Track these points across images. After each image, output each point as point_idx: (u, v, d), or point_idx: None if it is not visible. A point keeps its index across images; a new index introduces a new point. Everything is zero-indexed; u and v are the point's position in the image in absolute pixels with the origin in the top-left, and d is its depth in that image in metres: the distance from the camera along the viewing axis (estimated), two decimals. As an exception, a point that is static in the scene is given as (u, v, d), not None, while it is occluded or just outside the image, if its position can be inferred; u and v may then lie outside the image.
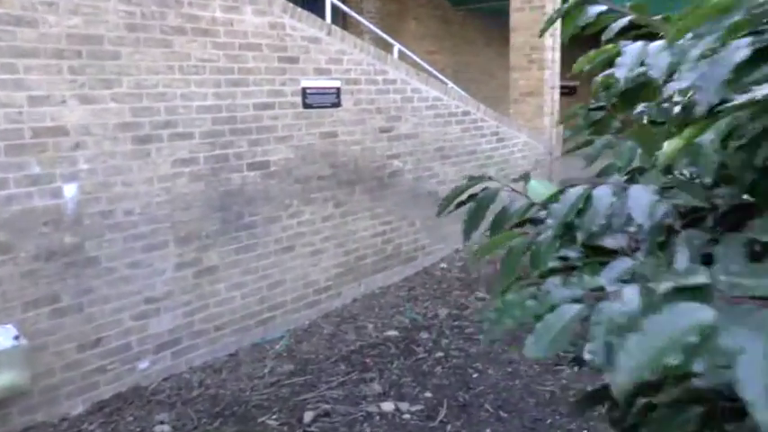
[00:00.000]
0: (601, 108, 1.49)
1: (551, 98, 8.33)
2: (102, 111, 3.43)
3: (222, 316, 4.17)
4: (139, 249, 3.66)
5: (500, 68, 12.51)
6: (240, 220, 4.16)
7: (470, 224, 1.40)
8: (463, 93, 6.85)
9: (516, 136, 7.46)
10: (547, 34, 7.98)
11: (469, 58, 12.03)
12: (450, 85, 6.97)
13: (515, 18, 8.10)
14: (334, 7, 5.44)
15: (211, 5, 3.92)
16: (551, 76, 8.26)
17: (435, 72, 7.23)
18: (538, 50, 8.03)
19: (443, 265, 6.13)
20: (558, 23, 1.43)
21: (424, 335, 4.60)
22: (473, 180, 1.43)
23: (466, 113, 6.42)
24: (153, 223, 3.70)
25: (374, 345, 4.46)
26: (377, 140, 5.25)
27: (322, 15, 4.99)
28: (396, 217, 5.56)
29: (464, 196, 1.43)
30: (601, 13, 1.35)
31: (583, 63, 1.43)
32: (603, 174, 1.36)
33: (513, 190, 1.37)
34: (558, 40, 8.27)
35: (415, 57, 7.19)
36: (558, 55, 8.33)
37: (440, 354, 4.30)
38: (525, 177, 1.44)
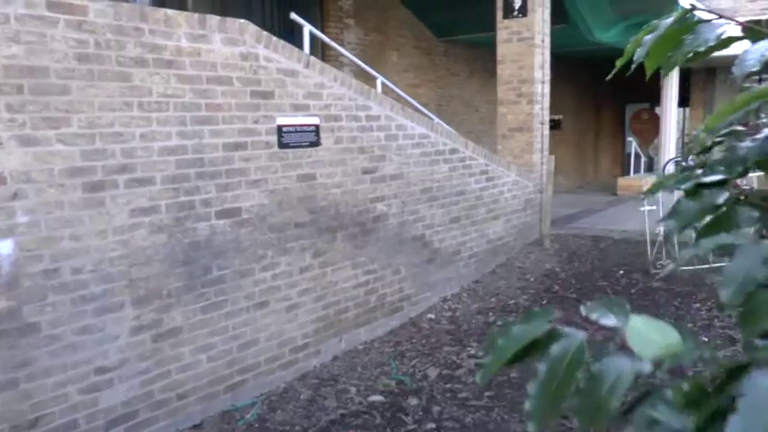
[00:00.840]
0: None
1: (541, 134, 8.10)
2: (47, 154, 3.05)
3: (186, 383, 3.76)
4: (90, 313, 3.25)
5: (483, 101, 12.36)
6: (207, 274, 3.78)
7: (547, 403, 0.71)
8: (450, 129, 6.57)
9: (506, 174, 7.19)
10: (536, 66, 7.78)
11: (453, 91, 11.84)
12: (437, 120, 6.69)
13: (502, 50, 7.89)
14: (312, 37, 5.14)
15: (176, 34, 3.58)
16: (541, 110, 8.04)
17: (420, 107, 6.97)
18: (527, 83, 7.82)
19: (431, 315, 5.77)
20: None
21: (413, 400, 4.22)
22: (530, 318, 0.79)
23: (454, 151, 6.13)
24: (106, 282, 3.31)
25: (357, 413, 4.07)
26: (359, 182, 4.92)
27: (299, 46, 4.68)
28: (380, 265, 5.21)
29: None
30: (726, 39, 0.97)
31: (725, 112, 1.03)
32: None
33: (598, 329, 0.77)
34: (548, 73, 8.08)
35: (398, 90, 6.95)
36: (547, 88, 8.14)
37: (431, 425, 3.92)
38: (621, 310, 0.79)
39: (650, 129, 18.54)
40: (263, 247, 4.10)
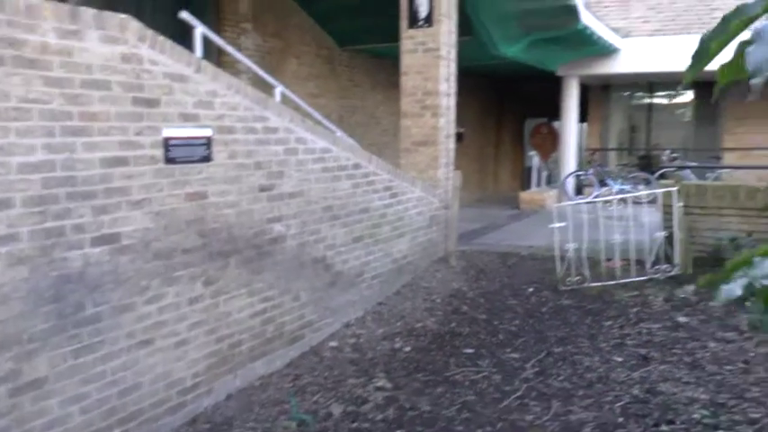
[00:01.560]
0: None
1: (446, 148, 8.02)
2: None
3: (53, 437, 3.30)
4: (-71, 362, 2.78)
5: (386, 114, 12.25)
6: (80, 312, 3.34)
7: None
8: (353, 142, 6.34)
9: (410, 190, 7.02)
10: (441, 78, 7.68)
11: (355, 102, 11.66)
12: (339, 133, 6.46)
13: (407, 60, 7.76)
14: (207, 42, 4.77)
15: (41, 27, 3.15)
16: (446, 123, 7.96)
17: (322, 118, 6.70)
18: (431, 96, 7.72)
19: (334, 343, 5.49)
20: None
21: (317, 443, 3.93)
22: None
23: (357, 166, 5.90)
24: (-49, 324, 2.84)
25: (255, 460, 3.74)
26: (255, 201, 4.59)
27: (191, 49, 4.32)
28: (278, 291, 4.89)
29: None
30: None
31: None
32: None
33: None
34: (454, 85, 8.01)
35: (299, 101, 6.67)
36: (453, 101, 8.07)
37: (339, 471, 3.64)
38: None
39: (549, 143, 19.05)
40: (146, 277, 3.70)
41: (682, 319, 5.86)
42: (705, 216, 7.27)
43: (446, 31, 7.74)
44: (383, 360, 5.13)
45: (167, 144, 3.86)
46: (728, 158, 15.79)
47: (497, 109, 18.83)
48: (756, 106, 15.89)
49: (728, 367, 4.84)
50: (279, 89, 5.73)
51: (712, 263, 7.25)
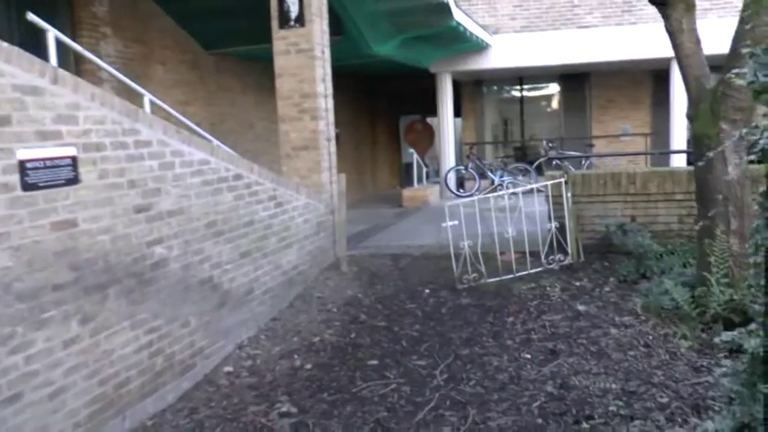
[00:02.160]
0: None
1: (328, 151, 7.83)
2: None
3: None
4: None
5: (259, 119, 11.91)
6: (-71, 370, 2.89)
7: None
8: (232, 152, 6.02)
9: (295, 198, 6.78)
10: (317, 79, 7.48)
11: (226, 109, 11.23)
12: (216, 142, 6.11)
13: (280, 63, 7.51)
14: (64, 49, 4.32)
15: None
16: (326, 126, 7.77)
17: (196, 127, 6.33)
18: (309, 98, 7.50)
19: (229, 368, 5.17)
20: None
21: (223, 483, 3.63)
22: None
23: (238, 177, 5.59)
24: None
25: None
26: (132, 224, 4.21)
27: (44, 56, 3.88)
28: (164, 320, 4.52)
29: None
30: None
31: None
32: None
33: None
34: (330, 87, 7.83)
35: (170, 110, 6.27)
36: (331, 103, 7.89)
37: None
38: None
39: (425, 139, 19.28)
40: (9, 323, 3.26)
41: (581, 308, 5.96)
42: (591, 204, 7.47)
43: (319, 31, 7.55)
44: (284, 381, 4.87)
45: (24, 168, 3.43)
46: (599, 146, 16.56)
47: (370, 108, 18.85)
48: (619, 93, 16.76)
49: (631, 353, 4.94)
50: (148, 98, 5.32)
51: (602, 249, 7.48)
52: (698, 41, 5.49)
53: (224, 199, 5.36)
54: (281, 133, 7.70)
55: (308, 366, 5.12)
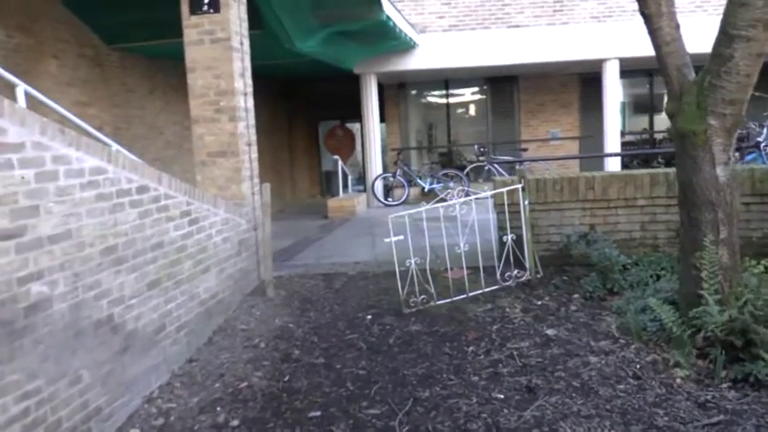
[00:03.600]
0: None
1: (249, 157, 6.88)
2: None
3: None
4: None
5: (170, 122, 10.81)
6: None
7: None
8: (135, 158, 5.02)
9: (213, 212, 5.81)
10: (236, 74, 6.53)
11: (132, 111, 10.07)
12: (116, 147, 5.09)
13: (193, 55, 6.51)
14: None
15: None
16: (246, 128, 6.82)
17: (92, 129, 5.28)
18: (227, 96, 6.54)
19: (135, 431, 4.15)
20: None
21: None
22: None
23: (143, 189, 4.59)
24: None
25: None
26: (-3, 254, 3.17)
27: None
28: (46, 379, 3.48)
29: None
30: None
31: None
32: None
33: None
34: (250, 83, 6.88)
35: (57, 106, 5.20)
36: (251, 102, 6.95)
37: None
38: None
39: (346, 145, 18.46)
40: None
41: (550, 332, 5.24)
42: (547, 212, 6.80)
43: (236, 18, 6.59)
44: (206, 442, 3.91)
45: None
46: (529, 150, 16.14)
47: (288, 112, 17.89)
48: (547, 97, 16.43)
49: (621, 386, 4.24)
50: (22, 88, 4.28)
51: (559, 261, 6.82)
52: (678, 27, 4.85)
53: (126, 217, 4.35)
54: (195, 137, 6.69)
55: (235, 423, 4.15)
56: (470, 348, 5.06)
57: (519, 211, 6.41)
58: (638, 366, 4.51)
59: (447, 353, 5.01)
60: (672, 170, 6.79)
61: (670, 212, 6.69)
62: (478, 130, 16.99)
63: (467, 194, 6.07)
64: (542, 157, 15.16)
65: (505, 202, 6.30)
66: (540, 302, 5.96)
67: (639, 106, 17.50)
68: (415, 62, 13.56)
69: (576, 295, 6.08)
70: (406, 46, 12.95)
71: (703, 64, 4.71)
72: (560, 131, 16.57)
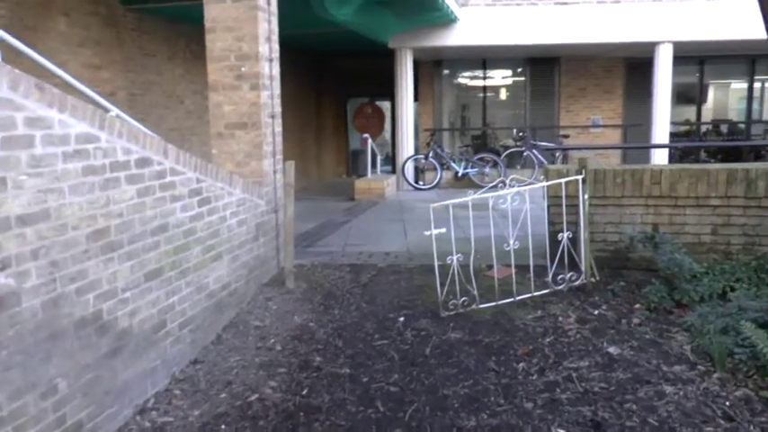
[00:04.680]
0: None
1: (272, 131, 6.15)
2: None
3: None
4: None
5: (190, 91, 10.12)
6: None
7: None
8: (139, 125, 4.31)
9: (228, 191, 5.10)
10: (260, 37, 5.79)
11: (150, 77, 9.39)
12: (115, 111, 4.40)
13: (213, 12, 5.78)
14: None
15: None
16: (270, 99, 6.09)
17: (87, 89, 4.58)
18: (249, 61, 5.82)
19: (123, 451, 3.48)
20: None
21: None
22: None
23: (145, 162, 3.88)
24: None
25: None
26: (-59, 239, 2.48)
27: None
28: (8, 393, 2.80)
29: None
30: None
31: None
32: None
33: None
34: (277, 48, 6.14)
35: (49, 64, 4.51)
36: (277, 69, 6.22)
37: None
38: None
39: (375, 124, 17.69)
40: None
41: (612, 350, 4.48)
42: (604, 207, 6.01)
43: (264, -27, 5.84)
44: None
45: None
46: (570, 137, 15.27)
47: (316, 88, 17.12)
48: (589, 81, 15.52)
49: (709, 429, 3.47)
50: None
51: (615, 264, 6.04)
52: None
53: (121, 195, 3.65)
54: (212, 105, 5.96)
55: (242, 450, 3.47)
56: (521, 365, 4.32)
57: (575, 205, 5.63)
58: (726, 403, 3.74)
59: (493, 369, 4.27)
60: (753, 166, 5.96)
61: (747, 215, 5.88)
62: (515, 113, 16.12)
63: (510, 184, 5.25)
64: (586, 145, 14.24)
65: (563, 195, 5.51)
66: (597, 312, 5.20)
67: (683, 96, 16.51)
68: (454, 38, 12.70)
69: (637, 305, 5.30)
70: (447, 19, 12.09)
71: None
72: (602, 119, 15.66)
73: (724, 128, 17.12)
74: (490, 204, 5.20)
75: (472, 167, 13.62)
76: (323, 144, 17.84)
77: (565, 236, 5.46)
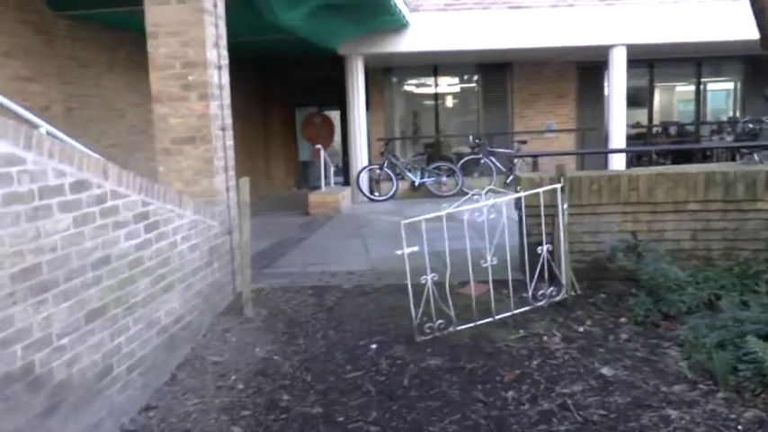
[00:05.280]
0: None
1: (223, 145, 5.67)
2: None
3: None
4: None
5: (132, 104, 9.51)
6: None
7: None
8: (75, 143, 3.79)
9: (178, 214, 4.60)
10: (208, 42, 5.31)
11: (87, 89, 8.76)
12: (45, 127, 3.86)
13: (155, 16, 5.28)
14: None
15: None
16: (220, 109, 5.61)
17: (14, 105, 4.04)
18: (197, 68, 5.33)
19: None
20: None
21: None
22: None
23: (81, 186, 3.37)
24: None
25: None
26: None
27: None
28: None
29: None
30: None
31: None
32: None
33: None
34: (226, 54, 5.67)
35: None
36: (226, 77, 5.74)
37: None
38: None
39: (325, 133, 17.24)
40: None
41: (605, 371, 4.14)
42: (581, 216, 5.68)
43: (210, -26, 5.36)
44: None
45: None
46: (527, 142, 15.07)
47: (263, 98, 16.58)
48: (542, 87, 15.40)
49: (725, 458, 3.14)
50: None
51: (593, 275, 5.72)
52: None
53: (54, 225, 3.13)
54: (157, 119, 5.44)
55: None
56: (510, 393, 3.92)
57: (550, 215, 5.29)
58: (739, 427, 3.42)
59: (481, 399, 3.87)
60: (731, 168, 5.73)
61: (726, 219, 5.64)
62: (468, 120, 15.88)
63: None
64: (546, 152, 14.00)
65: (541, 204, 5.16)
66: (582, 328, 4.85)
67: (633, 99, 16.50)
68: (406, 44, 12.36)
69: (623, 319, 4.98)
70: (398, 24, 11.74)
71: None
72: (555, 124, 15.53)
73: (673, 130, 17.20)
74: (465, 218, 4.80)
75: (429, 176, 13.28)
76: (272, 156, 17.30)
77: (544, 248, 5.10)
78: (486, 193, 4.85)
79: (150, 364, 4.08)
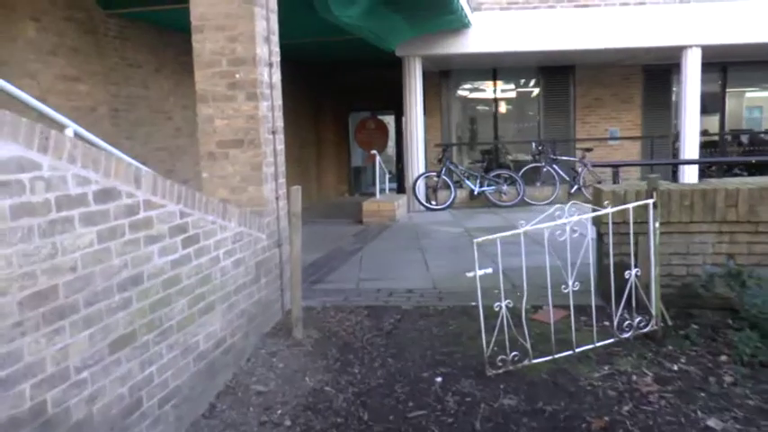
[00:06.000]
0: None
1: (273, 150, 5.21)
2: None
3: None
4: None
5: (180, 106, 9.18)
6: None
7: None
8: (105, 144, 3.35)
9: (221, 226, 4.13)
10: (258, 37, 4.85)
11: (135, 90, 8.46)
12: (74, 128, 3.43)
13: (201, 9, 4.85)
14: None
15: None
16: (271, 111, 5.15)
17: (35, 102, 3.62)
18: (245, 66, 4.87)
19: None
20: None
21: None
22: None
23: (108, 195, 2.91)
24: None
25: None
26: None
27: None
28: None
29: None
30: None
31: None
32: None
33: None
34: (277, 50, 5.22)
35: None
36: (277, 76, 5.28)
37: None
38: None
39: (378, 139, 16.77)
40: None
41: (712, 424, 3.50)
42: (669, 235, 5.03)
43: (262, -36, 4.91)
44: None
45: None
46: (593, 149, 14.33)
47: (315, 103, 16.18)
48: (606, 92, 14.67)
49: None
50: None
51: (682, 302, 5.07)
52: None
53: (75, 241, 2.68)
54: (202, 120, 5.00)
55: None
56: (600, 445, 3.35)
57: (635, 233, 4.66)
58: None
59: (566, 454, 3.30)
60: None
61: None
62: (528, 126, 15.21)
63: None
64: (624, 162, 13.12)
65: (630, 222, 4.53)
66: (676, 367, 4.22)
67: (703, 106, 15.65)
68: (466, 45, 11.79)
69: (723, 357, 4.32)
70: (460, 24, 11.17)
71: None
72: (619, 130, 14.75)
73: (744, 138, 16.24)
74: (546, 236, 4.22)
75: (488, 185, 12.66)
76: (323, 161, 16.90)
77: (632, 272, 4.48)
78: (568, 208, 4.26)
79: (186, 395, 3.62)
